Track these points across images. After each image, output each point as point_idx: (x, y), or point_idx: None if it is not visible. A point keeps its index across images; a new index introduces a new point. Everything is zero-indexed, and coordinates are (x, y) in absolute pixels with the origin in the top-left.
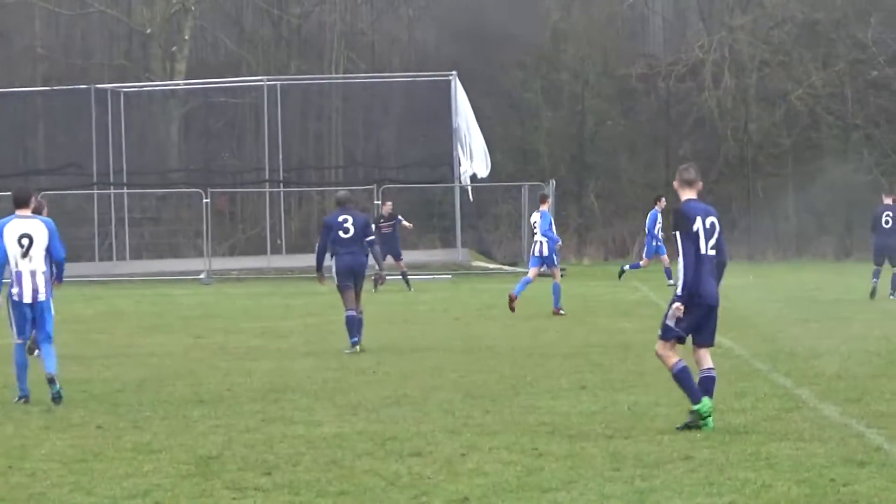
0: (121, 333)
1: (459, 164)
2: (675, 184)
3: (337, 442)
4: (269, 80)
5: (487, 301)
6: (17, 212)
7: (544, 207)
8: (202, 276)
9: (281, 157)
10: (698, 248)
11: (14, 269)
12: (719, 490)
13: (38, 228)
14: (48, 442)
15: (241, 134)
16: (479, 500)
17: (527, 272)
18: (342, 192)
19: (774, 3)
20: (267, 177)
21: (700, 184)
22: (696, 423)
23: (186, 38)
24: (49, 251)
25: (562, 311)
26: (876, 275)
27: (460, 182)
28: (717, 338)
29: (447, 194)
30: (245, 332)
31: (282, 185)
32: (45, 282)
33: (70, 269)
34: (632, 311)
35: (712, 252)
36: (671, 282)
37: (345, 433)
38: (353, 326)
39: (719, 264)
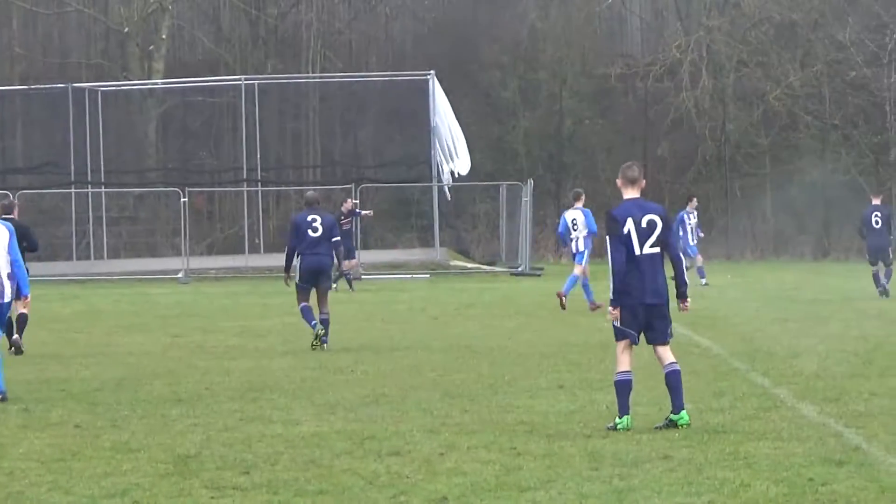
0: (99, 332)
1: (438, 164)
2: (619, 182)
3: (315, 441)
4: (246, 80)
5: (465, 300)
6: None
7: (580, 204)
8: (180, 275)
9: (259, 156)
10: (631, 250)
11: None
12: (698, 489)
13: None
14: (26, 441)
15: (219, 133)
16: (458, 500)
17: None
18: (311, 192)
19: (751, 3)
20: (245, 176)
21: (643, 182)
22: (612, 427)
23: (164, 37)
24: (9, 252)
25: (564, 298)
26: (875, 276)
27: (441, 180)
28: (696, 337)
29: (425, 193)
30: (223, 331)
31: (259, 184)
32: (11, 283)
33: (47, 268)
34: None
35: (652, 250)
36: (704, 281)
37: (323, 432)
38: (309, 313)
39: (673, 259)
